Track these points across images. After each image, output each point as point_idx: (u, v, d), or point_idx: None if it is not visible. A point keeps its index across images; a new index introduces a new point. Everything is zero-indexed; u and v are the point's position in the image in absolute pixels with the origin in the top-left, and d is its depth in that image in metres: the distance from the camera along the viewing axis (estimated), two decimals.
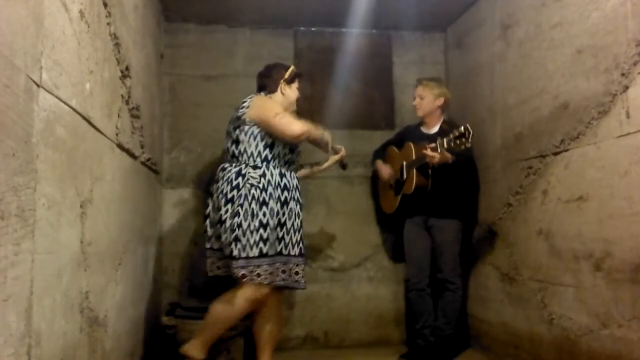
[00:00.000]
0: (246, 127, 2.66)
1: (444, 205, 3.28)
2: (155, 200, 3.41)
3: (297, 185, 2.74)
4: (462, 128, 2.77)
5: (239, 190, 2.57)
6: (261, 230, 2.53)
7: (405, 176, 3.31)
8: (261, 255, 2.51)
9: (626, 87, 2.22)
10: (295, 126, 2.60)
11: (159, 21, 3.59)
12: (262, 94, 2.82)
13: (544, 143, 2.80)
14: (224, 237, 2.55)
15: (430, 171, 3.17)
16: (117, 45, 2.29)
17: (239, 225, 2.51)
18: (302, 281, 2.63)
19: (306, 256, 2.73)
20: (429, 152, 2.96)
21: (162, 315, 3.23)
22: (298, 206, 2.70)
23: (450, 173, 3.15)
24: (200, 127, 3.76)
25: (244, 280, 2.49)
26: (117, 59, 2.31)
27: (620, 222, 2.24)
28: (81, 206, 1.81)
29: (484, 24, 3.47)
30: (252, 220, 2.53)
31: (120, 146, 2.37)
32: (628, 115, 2.20)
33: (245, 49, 3.84)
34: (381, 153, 3.66)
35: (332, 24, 3.91)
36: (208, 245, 2.68)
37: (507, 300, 3.16)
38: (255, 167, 2.63)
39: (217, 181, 2.68)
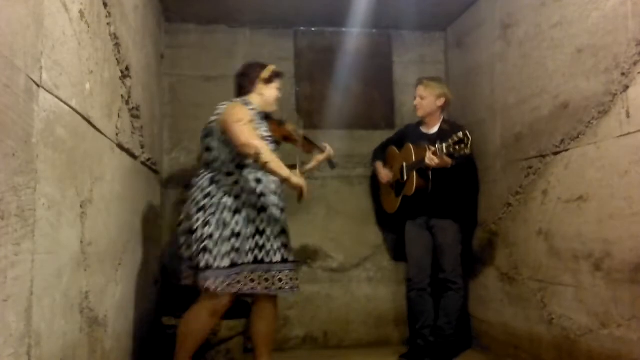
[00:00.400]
0: (217, 134, 2.57)
1: (445, 206, 3.28)
2: (155, 200, 3.41)
3: (275, 190, 2.61)
4: (461, 134, 2.79)
5: (211, 198, 2.47)
6: (232, 240, 2.43)
7: (405, 178, 3.31)
8: (232, 265, 2.42)
9: (626, 87, 2.22)
10: (244, 136, 2.43)
11: (159, 21, 3.59)
12: (237, 100, 2.69)
13: (544, 143, 2.80)
14: (194, 246, 2.45)
15: (430, 173, 3.18)
16: (117, 45, 2.29)
17: (210, 236, 2.41)
18: (287, 287, 2.51)
19: (294, 261, 2.58)
20: (428, 156, 2.97)
21: (162, 315, 3.22)
22: (278, 211, 2.58)
23: (450, 174, 3.15)
24: (200, 128, 3.73)
25: (208, 291, 2.40)
26: (117, 59, 2.31)
27: (620, 222, 2.24)
28: (81, 206, 1.81)
29: (484, 23, 3.47)
30: (224, 229, 2.43)
31: (120, 146, 2.37)
32: (628, 115, 2.20)
33: (245, 49, 3.84)
34: (381, 153, 3.66)
35: (332, 24, 3.91)
36: (180, 254, 2.57)
37: (507, 300, 3.16)
38: (228, 174, 2.53)
39: (191, 187, 2.60)
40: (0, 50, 1.21)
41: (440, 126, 3.35)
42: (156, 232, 3.44)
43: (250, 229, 2.49)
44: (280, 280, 2.50)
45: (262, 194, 2.55)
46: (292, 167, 2.84)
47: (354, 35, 3.97)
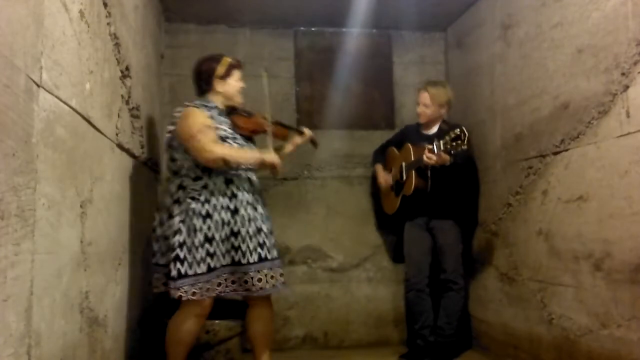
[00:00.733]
0: (176, 143, 2.50)
1: (445, 207, 3.28)
2: (156, 200, 3.41)
3: (249, 189, 2.53)
4: (458, 130, 2.79)
5: (180, 205, 2.43)
6: (206, 245, 2.39)
7: (404, 177, 3.31)
8: (210, 270, 2.39)
9: (626, 87, 2.22)
10: (204, 151, 2.37)
11: (159, 21, 3.59)
12: (193, 103, 2.56)
13: (544, 143, 2.80)
14: (168, 255, 2.42)
15: (429, 173, 3.18)
16: (117, 45, 2.29)
17: (183, 243, 2.37)
18: (268, 287, 2.47)
19: (273, 259, 2.51)
20: (426, 154, 2.97)
21: (162, 316, 3.22)
22: (252, 210, 2.50)
23: (450, 174, 3.15)
24: None
25: (182, 300, 2.37)
26: (117, 59, 2.31)
27: (620, 222, 2.24)
28: (81, 206, 1.81)
29: (484, 24, 3.47)
30: (196, 235, 2.38)
31: (120, 146, 2.37)
32: (628, 115, 2.20)
33: (245, 49, 3.84)
34: (380, 154, 3.67)
35: (332, 24, 3.91)
36: (154, 261, 2.53)
37: (506, 300, 3.16)
38: (196, 179, 2.46)
39: (164, 194, 2.56)
40: (0, 50, 1.21)
41: (440, 126, 3.35)
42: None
43: (225, 232, 2.45)
44: (259, 280, 2.46)
45: (233, 195, 2.49)
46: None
47: (354, 36, 3.97)
